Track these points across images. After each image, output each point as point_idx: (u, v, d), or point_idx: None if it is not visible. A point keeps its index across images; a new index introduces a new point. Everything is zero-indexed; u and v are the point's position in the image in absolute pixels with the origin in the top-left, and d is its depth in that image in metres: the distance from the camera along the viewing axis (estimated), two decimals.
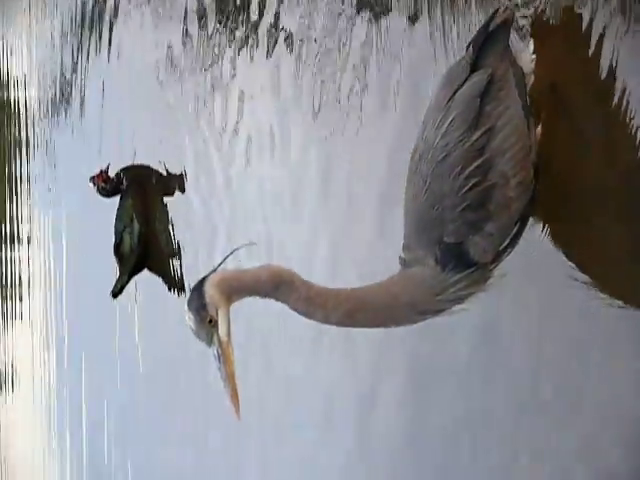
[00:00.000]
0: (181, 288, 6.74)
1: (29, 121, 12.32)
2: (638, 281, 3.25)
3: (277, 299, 3.21)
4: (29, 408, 12.90)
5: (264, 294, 3.18)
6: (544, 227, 3.46)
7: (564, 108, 3.53)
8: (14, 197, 13.35)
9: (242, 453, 5.94)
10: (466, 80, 3.27)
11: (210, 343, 3.06)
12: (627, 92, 3.26)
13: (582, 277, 3.35)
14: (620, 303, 3.27)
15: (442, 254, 3.23)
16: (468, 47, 3.36)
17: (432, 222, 3.25)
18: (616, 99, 3.28)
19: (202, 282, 3.05)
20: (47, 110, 11.29)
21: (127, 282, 7.20)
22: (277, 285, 3.15)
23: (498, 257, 3.29)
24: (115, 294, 7.14)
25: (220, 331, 3.06)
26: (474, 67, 3.28)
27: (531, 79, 3.47)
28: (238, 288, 3.12)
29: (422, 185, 3.32)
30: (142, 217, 7.26)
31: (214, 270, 3.11)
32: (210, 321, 3.03)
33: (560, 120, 3.52)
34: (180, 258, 6.89)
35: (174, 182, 6.88)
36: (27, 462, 13.08)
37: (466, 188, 3.17)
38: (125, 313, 7.90)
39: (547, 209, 3.46)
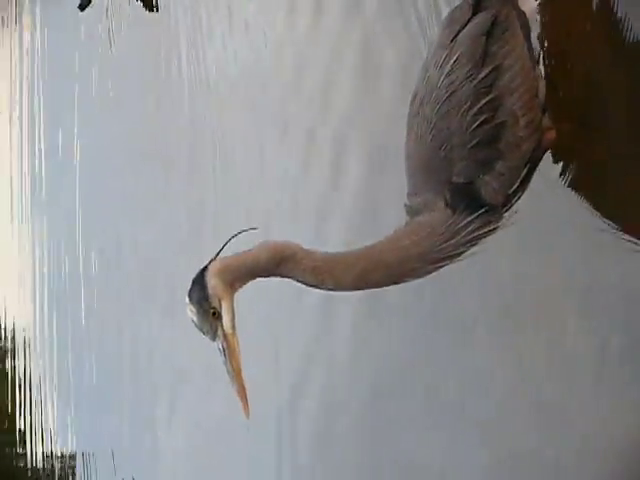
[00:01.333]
0: None
1: None
2: None
3: (282, 276, 3.21)
4: None
5: (267, 274, 3.18)
6: (563, 169, 3.74)
7: (576, 56, 3.78)
8: None
9: None
10: (469, 21, 3.37)
11: (214, 337, 3.04)
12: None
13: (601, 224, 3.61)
14: None
15: (452, 195, 3.25)
16: None
17: (440, 163, 3.29)
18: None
19: (203, 272, 3.04)
20: None
21: None
22: (279, 262, 3.16)
23: (509, 200, 3.33)
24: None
25: (225, 324, 3.05)
26: (476, 10, 3.39)
27: (535, 24, 3.68)
28: (240, 274, 3.10)
29: (426, 126, 3.38)
30: None
31: (214, 259, 3.11)
32: (214, 314, 3.02)
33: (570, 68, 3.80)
34: None
35: None
36: None
37: (475, 125, 3.24)
38: None
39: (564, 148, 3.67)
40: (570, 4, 3.89)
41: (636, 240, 3.58)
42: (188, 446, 6.21)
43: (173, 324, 5.82)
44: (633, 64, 3.70)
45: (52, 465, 10.02)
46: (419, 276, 3.32)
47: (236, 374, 3.03)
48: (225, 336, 3.03)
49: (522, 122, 3.30)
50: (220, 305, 3.02)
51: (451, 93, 3.27)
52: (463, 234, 3.26)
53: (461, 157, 3.23)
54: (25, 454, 10.65)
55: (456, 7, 3.52)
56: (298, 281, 3.19)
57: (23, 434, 11.03)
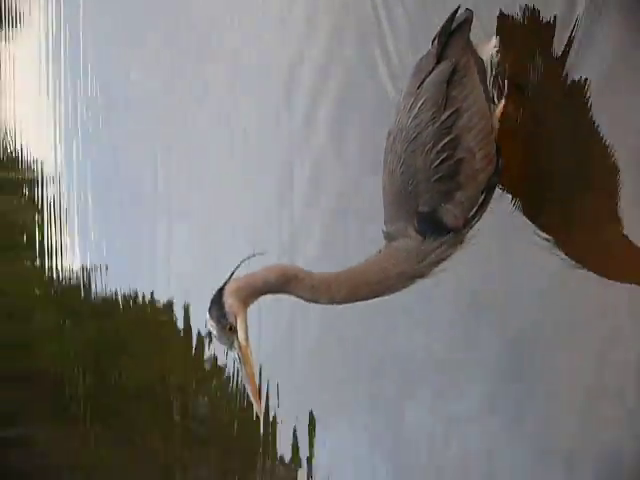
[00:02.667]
0: None
1: None
2: (596, 246, 4.13)
3: (286, 293, 3.74)
4: None
5: (274, 291, 3.72)
6: (513, 198, 4.31)
7: (525, 97, 4.29)
8: None
9: None
10: (433, 69, 3.85)
11: (231, 347, 3.54)
12: (587, 83, 4.06)
13: (543, 241, 4.23)
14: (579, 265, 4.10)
15: (419, 223, 3.78)
16: (433, 41, 3.95)
17: (408, 195, 3.80)
18: (573, 88, 4.11)
19: (220, 293, 3.54)
20: None
21: None
22: (284, 282, 3.67)
23: (468, 223, 3.88)
24: None
25: (240, 336, 3.52)
26: (440, 58, 3.87)
27: (492, 69, 4.23)
28: (252, 292, 3.61)
29: (397, 162, 3.88)
30: None
31: (228, 281, 3.58)
32: (230, 328, 3.50)
33: (521, 105, 4.27)
34: None
35: None
36: None
37: (437, 162, 3.74)
38: None
39: (513, 181, 4.24)
40: (524, 49, 4.31)
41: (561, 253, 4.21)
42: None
43: None
44: (574, 103, 4.15)
45: (71, 277, 12.40)
46: (398, 290, 3.89)
47: (250, 378, 3.53)
48: (240, 347, 3.51)
49: (478, 156, 3.78)
50: (236, 320, 3.50)
51: (417, 134, 3.73)
52: (433, 255, 3.81)
53: (426, 190, 3.71)
54: (45, 267, 13.46)
55: (423, 56, 3.98)
56: (298, 296, 3.72)
57: (47, 250, 13.52)
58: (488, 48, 4.21)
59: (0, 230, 16.44)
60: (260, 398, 3.57)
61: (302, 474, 6.58)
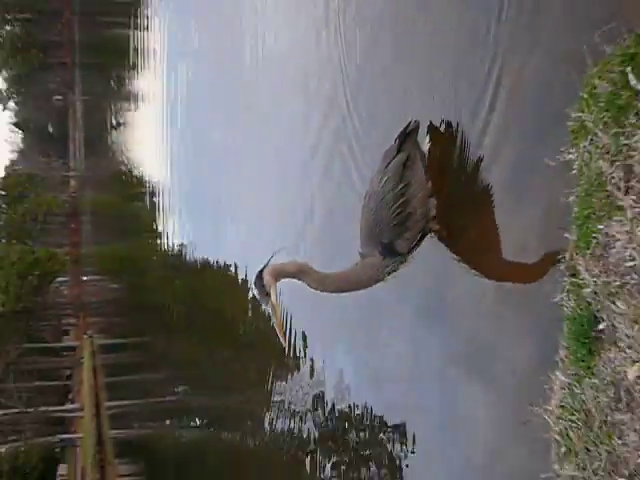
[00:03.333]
0: None
1: None
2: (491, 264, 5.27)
3: (298, 279, 5.15)
4: None
5: (292, 277, 5.08)
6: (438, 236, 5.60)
7: (445, 174, 5.67)
8: None
9: None
10: (394, 157, 5.23)
11: (266, 304, 4.89)
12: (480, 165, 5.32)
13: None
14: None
15: (382, 249, 5.16)
16: (396, 140, 5.34)
17: (376, 232, 5.16)
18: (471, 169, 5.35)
19: (261, 272, 4.88)
20: None
21: None
22: (298, 273, 5.07)
23: (411, 250, 5.28)
24: None
25: (272, 298, 4.85)
26: (399, 150, 5.27)
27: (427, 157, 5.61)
28: (279, 275, 4.92)
29: (369, 213, 5.23)
30: None
31: (266, 265, 4.90)
32: (266, 294, 4.84)
33: (442, 181, 5.57)
34: None
35: None
36: None
37: (394, 214, 5.09)
38: None
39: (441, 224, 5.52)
40: (442, 147, 5.70)
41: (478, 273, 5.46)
42: None
43: None
44: (474, 179, 5.40)
45: (174, 249, 17.58)
46: (367, 287, 5.48)
47: (278, 324, 4.88)
48: (272, 304, 4.79)
49: (419, 212, 5.20)
50: (270, 289, 4.81)
51: (384, 196, 5.09)
52: (389, 268, 5.22)
53: (387, 230, 5.07)
54: (158, 244, 18.85)
55: (388, 148, 5.38)
56: (305, 283, 5.18)
57: (159, 234, 19.00)
58: (425, 144, 5.63)
59: (132, 223, 23.83)
60: (285, 336, 4.98)
61: (307, 366, 9.04)
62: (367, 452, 7.65)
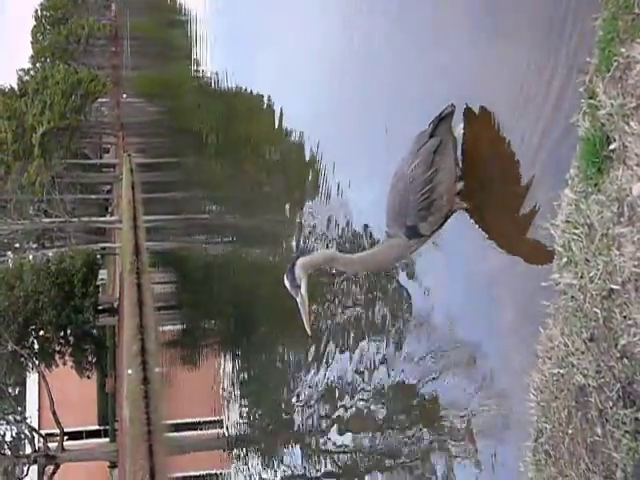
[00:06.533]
0: None
1: None
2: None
3: (330, 267, 5.37)
4: None
5: (323, 266, 5.16)
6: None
7: (478, 161, 5.42)
8: None
9: None
10: (427, 142, 5.06)
11: (297, 296, 4.76)
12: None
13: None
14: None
15: (406, 231, 5.08)
16: (429, 125, 5.11)
17: (402, 215, 5.06)
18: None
19: (293, 266, 4.80)
20: None
21: None
22: (329, 262, 5.12)
23: (433, 233, 5.19)
24: None
25: (302, 290, 4.78)
26: (431, 135, 5.08)
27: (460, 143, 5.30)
28: (310, 267, 4.87)
29: (397, 195, 5.11)
30: None
31: (297, 258, 4.82)
32: (298, 286, 4.77)
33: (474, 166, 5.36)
34: None
35: None
36: None
37: (421, 199, 5.00)
38: None
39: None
40: (478, 132, 5.42)
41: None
42: None
43: None
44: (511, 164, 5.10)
45: (211, 76, 17.57)
46: (393, 266, 6.26)
47: (305, 315, 4.77)
48: (302, 296, 4.74)
49: (445, 198, 5.06)
50: (301, 281, 4.77)
51: (412, 180, 5.01)
52: (414, 247, 5.25)
53: (413, 214, 5.00)
54: (194, 69, 19.13)
55: (422, 131, 5.15)
56: (336, 269, 5.63)
57: (195, 61, 19.22)
58: (458, 130, 5.33)
59: (169, 49, 23.80)
60: (311, 324, 4.78)
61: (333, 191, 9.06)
62: None
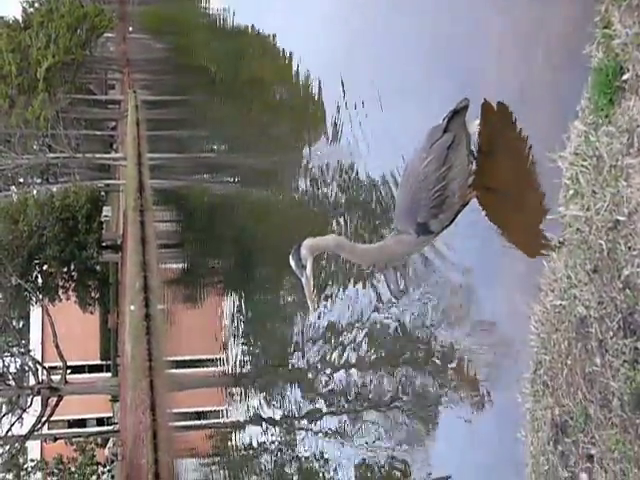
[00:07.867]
0: None
1: None
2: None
3: (336, 252, 5.22)
4: None
5: (329, 251, 5.22)
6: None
7: (492, 155, 5.39)
8: None
9: None
10: (440, 137, 4.95)
11: (302, 276, 4.77)
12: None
13: None
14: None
15: (417, 227, 5.02)
16: (444, 120, 4.99)
17: (412, 212, 5.00)
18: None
19: (299, 247, 4.77)
20: None
21: None
22: (335, 247, 5.04)
23: (442, 230, 5.17)
24: None
25: (307, 270, 4.77)
26: (445, 130, 4.97)
27: (475, 139, 5.25)
28: (316, 249, 4.87)
29: (408, 190, 5.09)
30: None
31: (303, 241, 4.78)
32: (303, 266, 4.75)
33: (488, 162, 5.33)
34: None
35: None
36: None
37: (433, 197, 4.92)
38: None
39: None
40: (494, 127, 5.30)
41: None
42: None
43: None
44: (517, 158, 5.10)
45: (218, 13, 17.20)
46: (400, 261, 6.22)
47: (309, 293, 4.80)
48: (306, 276, 4.73)
49: (457, 195, 4.99)
50: (306, 261, 4.75)
51: (425, 177, 4.91)
52: (423, 243, 5.29)
53: (424, 211, 4.92)
54: (204, 7, 18.86)
55: (435, 126, 5.04)
56: (342, 255, 5.25)
57: None
58: (473, 126, 5.23)
59: None
60: (314, 303, 4.95)
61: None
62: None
